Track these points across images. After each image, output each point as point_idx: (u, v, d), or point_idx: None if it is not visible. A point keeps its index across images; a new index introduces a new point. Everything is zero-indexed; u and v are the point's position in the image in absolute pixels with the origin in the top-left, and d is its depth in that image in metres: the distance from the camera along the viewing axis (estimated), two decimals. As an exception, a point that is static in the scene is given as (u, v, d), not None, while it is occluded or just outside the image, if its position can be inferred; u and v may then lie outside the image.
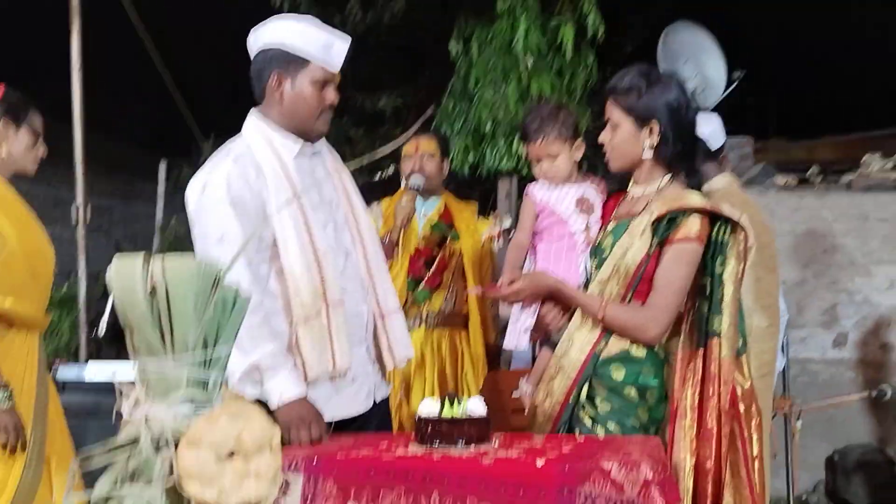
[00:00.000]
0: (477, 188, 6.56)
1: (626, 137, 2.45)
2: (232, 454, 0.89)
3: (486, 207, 6.02)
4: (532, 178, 6.14)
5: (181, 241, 6.62)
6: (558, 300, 2.54)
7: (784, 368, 3.95)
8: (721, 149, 3.47)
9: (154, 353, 0.89)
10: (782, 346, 3.67)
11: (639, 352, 2.43)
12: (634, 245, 2.42)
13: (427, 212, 3.87)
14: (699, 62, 6.33)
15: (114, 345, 5.10)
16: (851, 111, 8.09)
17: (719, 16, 6.71)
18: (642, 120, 2.43)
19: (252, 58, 2.53)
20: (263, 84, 2.50)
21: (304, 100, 2.45)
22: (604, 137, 2.49)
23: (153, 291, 0.89)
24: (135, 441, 0.88)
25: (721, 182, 3.31)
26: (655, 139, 2.44)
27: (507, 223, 4.19)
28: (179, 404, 0.90)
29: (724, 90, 6.33)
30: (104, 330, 1.06)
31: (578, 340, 2.47)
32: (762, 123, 8.83)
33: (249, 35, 2.53)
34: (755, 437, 2.43)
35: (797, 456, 3.83)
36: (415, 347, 3.70)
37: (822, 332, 5.39)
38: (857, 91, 8.41)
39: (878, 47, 8.11)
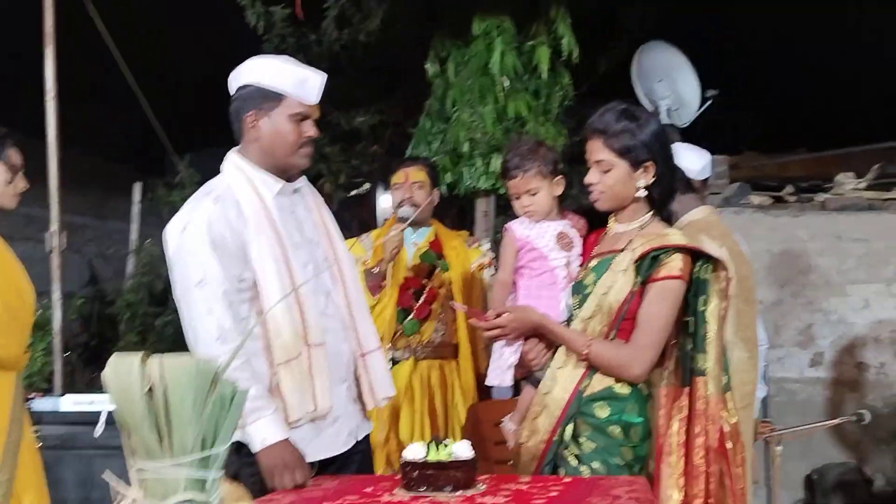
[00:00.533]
0: (454, 207, 6.55)
1: (620, 178, 2.45)
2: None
3: (463, 226, 6.03)
4: (508, 198, 6.19)
5: (156, 263, 6.56)
6: (543, 336, 2.55)
7: (766, 396, 3.97)
8: (705, 181, 3.50)
9: (152, 454, 0.87)
10: (763, 376, 3.69)
11: (623, 389, 2.44)
12: (617, 283, 2.43)
13: (417, 241, 3.85)
14: (673, 81, 6.41)
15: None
16: (823, 128, 8.17)
17: (691, 35, 6.77)
18: (638, 162, 2.44)
19: (231, 98, 2.51)
20: (241, 123, 2.49)
21: (282, 135, 2.44)
22: (592, 178, 2.48)
23: (150, 391, 0.87)
24: (132, 548, 0.86)
25: (701, 213, 3.33)
26: (650, 179, 2.45)
27: (486, 246, 4.18)
28: (178, 507, 0.88)
29: (698, 108, 6.40)
30: (99, 431, 1.02)
31: (562, 378, 2.48)
32: (735, 139, 8.91)
33: (230, 77, 2.53)
34: (741, 472, 2.45)
35: (778, 479, 3.84)
36: (404, 379, 3.70)
37: (798, 352, 5.44)
38: (829, 108, 8.50)
39: (850, 66, 8.21)
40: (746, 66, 8.37)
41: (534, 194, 2.67)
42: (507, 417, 2.68)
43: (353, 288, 2.62)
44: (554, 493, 2.13)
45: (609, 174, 2.45)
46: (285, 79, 2.43)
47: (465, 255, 3.90)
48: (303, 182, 2.62)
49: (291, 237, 2.47)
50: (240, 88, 2.49)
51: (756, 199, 5.87)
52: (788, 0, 7.80)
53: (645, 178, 2.45)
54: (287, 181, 2.52)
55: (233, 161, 2.50)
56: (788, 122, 8.86)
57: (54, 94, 4.65)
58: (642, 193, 2.47)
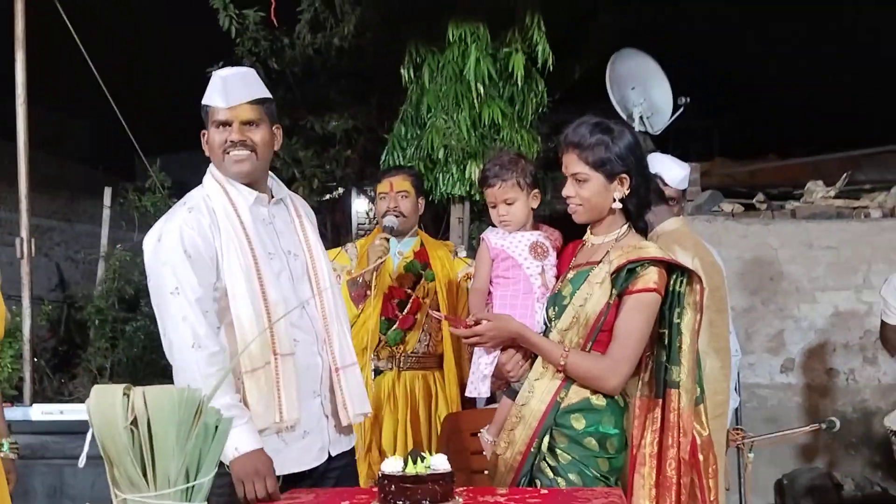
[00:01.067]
0: (429, 213, 6.55)
1: (596, 191, 2.46)
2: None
3: (438, 232, 6.03)
4: (483, 204, 6.19)
5: (126, 268, 6.49)
6: (520, 346, 2.55)
7: (738, 405, 4.01)
8: (682, 192, 3.53)
9: (135, 486, 0.86)
10: (735, 386, 3.72)
11: (599, 401, 2.45)
12: (594, 295, 2.44)
13: (402, 251, 3.82)
14: (646, 88, 6.44)
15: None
16: (792, 135, 8.28)
17: (662, 43, 6.82)
18: (613, 174, 2.45)
19: None
20: (204, 144, 2.54)
21: (211, 146, 2.49)
22: (569, 191, 2.49)
23: (134, 423, 0.86)
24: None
25: (673, 224, 3.36)
26: (626, 191, 2.47)
27: (463, 253, 4.18)
28: (161, 539, 0.87)
29: (671, 116, 6.45)
30: (83, 462, 1.00)
31: (539, 390, 2.48)
32: (706, 146, 9.00)
33: None
34: (713, 484, 2.47)
35: (750, 486, 3.88)
36: (387, 389, 3.67)
37: (769, 358, 5.49)
38: (798, 116, 8.60)
39: (819, 74, 8.31)
40: (716, 73, 8.46)
41: (510, 204, 2.69)
42: (484, 429, 2.68)
43: (332, 302, 2.60)
44: (531, 505, 2.14)
45: (585, 186, 2.46)
46: (210, 90, 2.47)
47: (451, 266, 3.87)
48: (285, 193, 2.62)
49: (265, 247, 2.47)
50: None
51: (727, 206, 5.93)
52: (758, 10, 7.89)
53: (620, 190, 2.47)
54: (261, 192, 2.52)
55: (210, 172, 2.53)
56: (758, 129, 8.97)
57: (24, 98, 4.58)
58: (618, 205, 2.49)
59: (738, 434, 3.78)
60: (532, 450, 2.47)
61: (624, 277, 2.41)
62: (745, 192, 6.53)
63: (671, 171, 3.51)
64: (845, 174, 6.01)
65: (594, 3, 7.14)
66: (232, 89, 2.44)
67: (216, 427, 0.90)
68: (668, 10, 8.09)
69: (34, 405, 3.84)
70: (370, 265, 3.58)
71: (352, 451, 2.70)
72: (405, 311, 3.72)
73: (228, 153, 2.45)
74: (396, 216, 3.72)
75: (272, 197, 2.59)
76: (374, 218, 4.16)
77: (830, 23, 8.00)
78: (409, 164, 5.06)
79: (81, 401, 5.35)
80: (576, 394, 2.45)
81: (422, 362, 3.76)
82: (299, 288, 2.54)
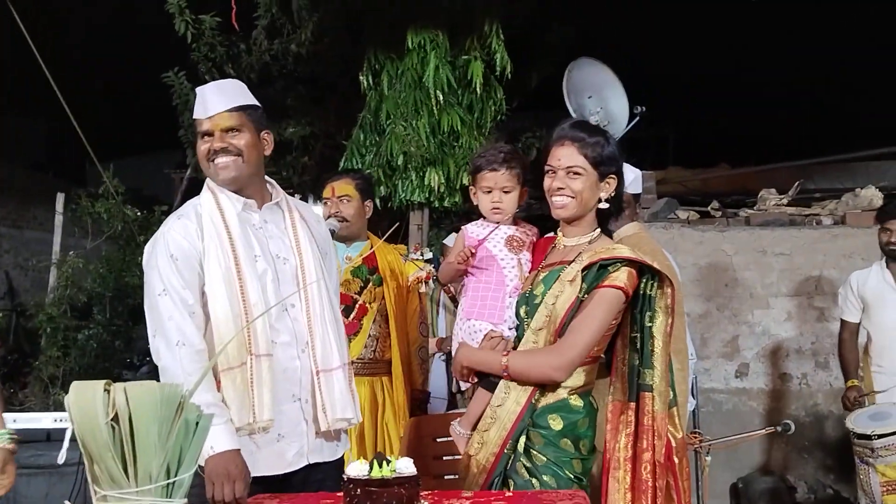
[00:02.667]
0: (387, 219, 6.54)
1: (588, 186, 2.47)
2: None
3: (397, 239, 6.02)
4: (441, 211, 6.19)
5: (79, 275, 6.36)
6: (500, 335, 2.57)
7: (694, 408, 4.06)
8: (636, 196, 3.55)
9: (116, 483, 0.84)
10: (691, 389, 3.76)
11: (577, 401, 2.44)
12: (565, 292, 2.43)
13: (350, 255, 3.78)
14: (603, 97, 6.50)
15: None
16: (743, 144, 8.43)
17: (619, 49, 6.90)
18: (605, 174, 2.47)
19: None
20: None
21: (200, 158, 2.55)
22: (560, 183, 2.47)
23: (115, 419, 0.84)
24: (96, 579, 0.83)
25: (631, 230, 3.38)
26: (611, 193, 2.49)
27: (429, 255, 4.17)
28: (141, 536, 0.85)
29: (627, 124, 6.51)
30: (62, 459, 0.98)
31: (514, 392, 2.47)
32: (660, 155, 9.12)
33: None
34: (687, 486, 2.49)
35: (707, 488, 3.93)
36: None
37: (724, 363, 5.57)
38: (749, 125, 8.77)
39: (770, 85, 8.48)
40: (668, 83, 8.58)
41: (506, 192, 2.69)
42: (455, 421, 2.66)
43: (320, 305, 2.59)
44: (498, 508, 2.13)
45: (579, 180, 2.46)
46: (197, 105, 2.55)
47: (401, 270, 3.85)
48: (280, 196, 2.62)
49: (251, 250, 2.48)
50: None
51: (683, 214, 6.01)
52: (708, 22, 8.02)
53: (607, 190, 2.49)
54: (253, 197, 2.53)
55: (206, 183, 2.58)
56: (710, 139, 9.11)
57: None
58: (603, 205, 2.50)
59: (695, 438, 3.83)
60: (506, 451, 2.45)
61: (594, 275, 2.41)
62: (699, 199, 6.62)
63: (626, 176, 3.54)
64: (797, 182, 6.13)
65: (550, 12, 7.19)
66: (210, 100, 2.50)
67: (197, 423, 0.89)
68: (624, 21, 8.20)
69: (-15, 414, 3.74)
70: None
71: (338, 462, 2.63)
72: (350, 316, 3.69)
73: (213, 161, 2.49)
74: (339, 221, 3.69)
75: (269, 200, 2.59)
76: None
77: (781, 37, 8.17)
78: (359, 170, 5.02)
79: (33, 410, 5.24)
80: (553, 394, 2.44)
81: (368, 368, 3.71)
82: (285, 291, 2.52)
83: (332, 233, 3.61)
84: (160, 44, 6.58)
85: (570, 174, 2.46)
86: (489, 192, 2.69)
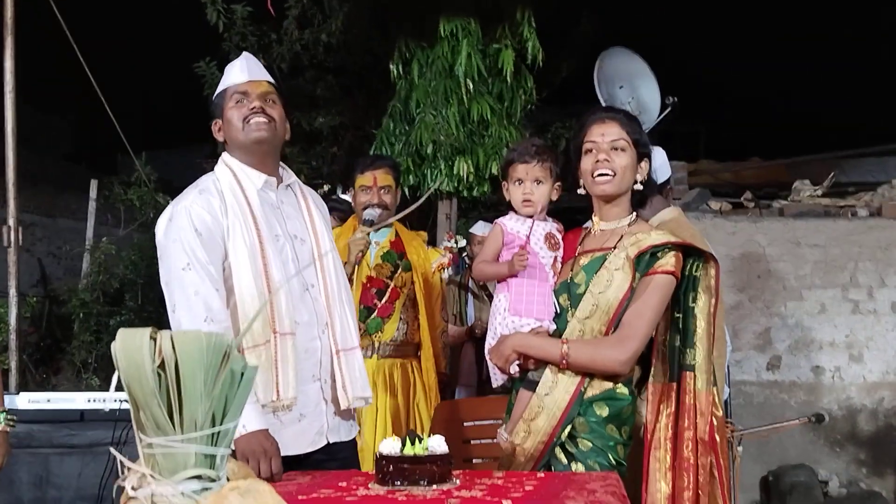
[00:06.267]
0: (415, 209, 6.54)
1: (630, 164, 2.48)
2: (243, 535, 0.85)
3: (426, 229, 6.02)
4: (470, 201, 6.17)
5: (111, 262, 6.43)
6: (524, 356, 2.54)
7: (728, 396, 4.01)
8: (667, 181, 3.52)
9: (161, 429, 0.84)
10: (726, 376, 3.73)
11: (622, 390, 2.44)
12: (615, 281, 2.42)
13: (378, 241, 3.82)
14: (634, 87, 6.45)
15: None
16: (775, 137, 8.35)
17: (649, 43, 6.86)
18: (642, 155, 2.50)
19: None
20: (216, 133, 2.60)
21: (231, 123, 2.52)
22: (607, 156, 2.46)
23: (161, 366, 0.84)
24: (142, 523, 0.83)
25: (670, 214, 3.36)
26: (644, 176, 2.50)
27: (462, 243, 4.19)
28: (187, 482, 0.85)
29: (659, 115, 6.46)
30: (114, 389, 0.99)
31: (563, 381, 2.45)
32: (692, 147, 9.05)
33: None
34: (726, 464, 2.48)
35: (738, 479, 3.89)
36: (367, 377, 3.65)
37: (756, 355, 5.52)
38: (781, 118, 8.68)
39: (802, 78, 8.39)
40: (700, 77, 8.52)
41: (538, 183, 2.68)
42: (501, 428, 2.64)
43: (337, 286, 2.61)
44: (530, 487, 2.12)
45: (622, 156, 2.47)
46: (224, 78, 2.56)
47: (426, 256, 3.90)
48: (293, 179, 2.65)
49: (272, 229, 2.49)
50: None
51: (715, 204, 5.95)
52: (739, 14, 7.96)
53: (642, 172, 2.51)
54: (271, 175, 2.55)
55: (223, 158, 2.57)
56: (742, 132, 9.03)
57: (13, 85, 4.50)
58: (638, 187, 2.51)
59: (727, 427, 3.79)
60: (554, 439, 2.45)
61: (647, 262, 2.41)
62: (730, 192, 6.57)
63: (655, 159, 3.51)
64: (832, 174, 6.06)
65: (581, 2, 7.17)
66: (249, 67, 2.54)
67: (242, 374, 0.88)
68: (655, 13, 8.15)
69: (21, 393, 3.79)
70: (351, 259, 3.55)
71: (353, 442, 2.68)
72: (384, 299, 3.73)
73: (249, 121, 2.49)
74: (380, 211, 3.70)
75: (281, 182, 2.61)
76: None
77: (812, 29, 8.08)
78: (389, 156, 5.04)
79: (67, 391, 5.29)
80: (600, 385, 2.43)
81: (400, 350, 3.78)
82: (304, 271, 2.54)
83: (371, 222, 3.63)
84: (192, 34, 6.63)
85: (613, 149, 2.46)
86: (521, 183, 2.68)
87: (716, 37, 8.31)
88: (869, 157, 7.30)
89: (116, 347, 0.84)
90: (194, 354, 0.85)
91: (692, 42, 8.29)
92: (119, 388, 0.87)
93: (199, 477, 0.85)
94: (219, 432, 0.86)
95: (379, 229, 3.79)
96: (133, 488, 0.83)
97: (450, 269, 3.95)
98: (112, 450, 0.86)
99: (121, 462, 0.85)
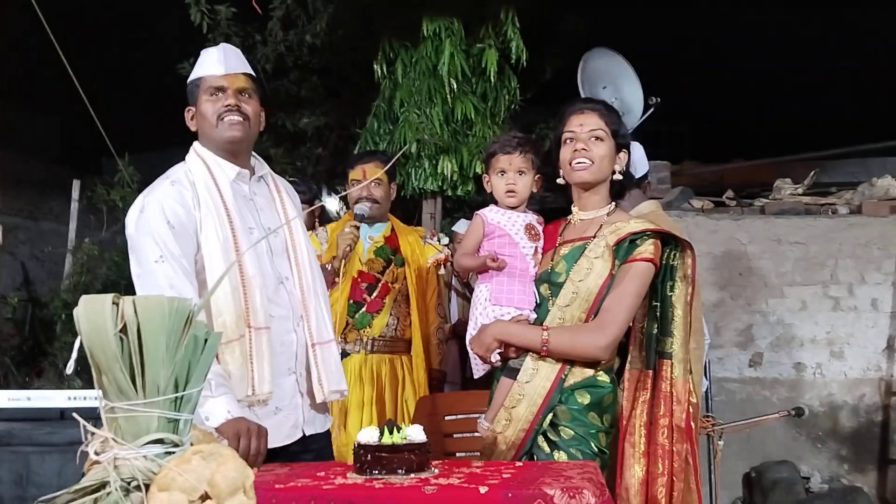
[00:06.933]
0: (400, 208, 6.55)
1: (608, 154, 2.53)
2: (205, 497, 0.85)
3: (412, 223, 6.02)
4: (455, 200, 6.18)
5: (94, 263, 6.40)
6: (506, 344, 2.56)
7: (707, 389, 4.04)
8: (645, 176, 3.56)
9: (124, 394, 0.84)
10: (704, 369, 3.75)
11: (603, 377, 2.47)
12: (595, 269, 2.46)
13: (372, 235, 3.81)
14: (618, 87, 6.48)
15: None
16: (758, 138, 8.39)
17: (633, 43, 6.89)
18: (620, 146, 2.55)
19: None
20: (189, 120, 2.59)
21: (204, 115, 2.51)
22: (585, 145, 2.50)
23: (123, 331, 0.85)
24: (103, 485, 0.84)
25: (648, 207, 3.39)
26: (623, 167, 2.55)
27: (445, 240, 4.19)
28: (150, 446, 0.86)
29: (642, 116, 6.49)
30: (72, 367, 0.99)
31: (544, 368, 2.47)
32: (676, 147, 9.08)
33: None
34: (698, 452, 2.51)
35: (720, 474, 3.90)
36: (353, 372, 3.65)
37: (738, 352, 5.54)
38: (763, 119, 8.73)
39: (784, 79, 8.44)
40: (684, 77, 8.55)
41: (521, 174, 2.70)
42: (482, 417, 2.66)
43: (311, 278, 2.61)
44: (507, 475, 2.13)
45: (601, 146, 2.51)
46: (199, 65, 2.53)
47: (421, 251, 3.89)
48: (266, 170, 2.64)
49: (245, 221, 2.48)
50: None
51: (697, 202, 5.98)
52: (723, 15, 8.00)
53: (620, 163, 2.56)
54: (243, 167, 2.54)
55: (195, 148, 2.55)
56: (725, 133, 9.07)
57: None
58: (617, 177, 2.55)
59: (708, 422, 3.81)
60: (535, 426, 2.47)
61: (626, 249, 2.45)
62: (713, 192, 6.60)
63: (633, 153, 3.54)
64: (813, 172, 6.10)
65: (564, 2, 7.19)
66: (228, 58, 2.51)
67: (205, 341, 0.89)
68: (638, 14, 8.18)
69: (0, 391, 3.77)
70: (339, 253, 3.56)
71: (328, 434, 2.70)
72: (374, 294, 3.72)
73: (223, 118, 2.47)
74: (370, 205, 3.71)
75: (254, 174, 2.60)
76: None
77: (796, 32, 8.13)
78: (384, 151, 5.04)
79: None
80: (581, 372, 2.46)
81: (389, 346, 3.77)
82: (278, 264, 2.54)
83: (362, 217, 3.63)
84: (175, 34, 6.60)
85: (592, 139, 2.49)
86: (503, 174, 2.69)
87: (699, 38, 8.34)
88: (851, 157, 7.35)
89: (79, 312, 0.85)
90: (157, 319, 0.85)
91: (676, 43, 8.32)
92: (60, 436, 0.88)
93: (161, 441, 0.86)
94: (182, 397, 0.87)
95: (374, 223, 3.80)
96: (96, 453, 0.84)
97: (447, 264, 3.95)
98: (75, 415, 0.86)
99: (84, 427, 0.85)
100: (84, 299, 0.86)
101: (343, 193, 3.78)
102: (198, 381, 0.90)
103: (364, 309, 3.70)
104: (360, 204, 3.68)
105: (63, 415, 3.75)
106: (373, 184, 3.73)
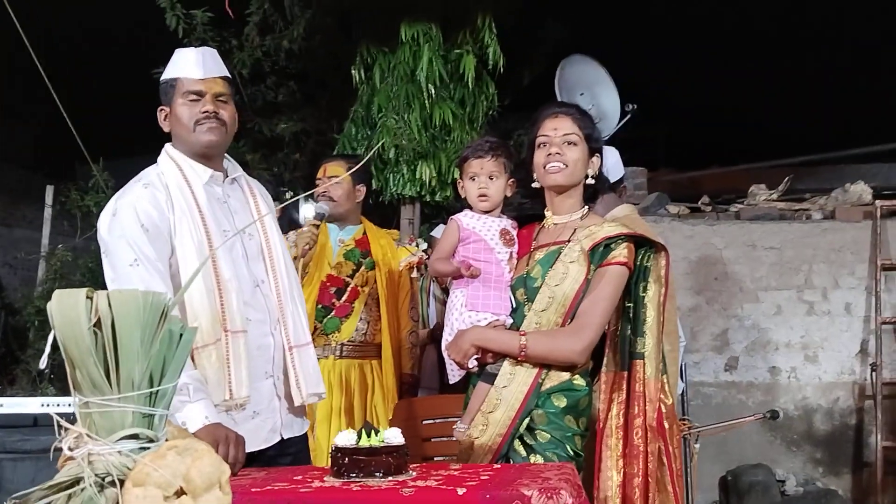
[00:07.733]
0: (378, 213, 6.54)
1: (581, 158, 2.55)
2: (180, 493, 0.84)
3: (390, 227, 6.01)
4: (433, 206, 6.18)
5: (68, 268, 6.34)
6: (483, 349, 2.56)
7: (682, 392, 4.06)
8: (621, 180, 3.58)
9: (98, 388, 0.83)
10: (680, 371, 3.77)
11: (579, 381, 2.48)
12: (570, 274, 2.47)
13: (343, 238, 3.79)
14: (595, 94, 6.53)
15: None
16: (733, 145, 8.46)
17: (610, 51, 6.93)
18: (593, 150, 2.57)
19: None
20: (162, 120, 2.54)
21: (179, 118, 2.47)
22: (559, 149, 2.52)
23: (97, 325, 0.84)
24: (77, 480, 0.82)
25: (623, 211, 3.42)
26: (595, 171, 2.57)
27: (424, 245, 4.18)
28: (125, 441, 0.85)
29: (618, 122, 6.53)
30: (44, 364, 0.99)
31: (521, 373, 2.48)
32: (652, 154, 9.13)
33: None
34: (678, 452, 2.52)
35: (696, 477, 3.92)
36: (322, 377, 3.62)
37: (714, 356, 5.58)
38: (739, 126, 8.80)
39: (759, 87, 8.51)
40: (660, 84, 8.61)
41: (493, 179, 2.70)
42: (459, 421, 2.65)
43: (287, 282, 2.59)
44: (485, 477, 2.13)
45: (574, 150, 2.53)
46: (175, 65, 2.48)
47: (393, 254, 3.86)
48: (238, 172, 2.61)
49: (219, 224, 2.45)
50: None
51: (673, 208, 6.02)
52: (699, 22, 8.06)
53: (593, 167, 2.58)
54: (217, 170, 2.51)
55: (167, 150, 2.51)
56: (701, 140, 9.13)
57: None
58: (590, 181, 2.57)
59: (684, 425, 3.82)
60: (512, 431, 2.47)
61: (601, 253, 2.46)
62: (689, 198, 6.64)
63: (608, 158, 3.57)
64: (787, 178, 6.16)
65: (542, 9, 7.22)
66: (205, 61, 2.47)
67: (181, 336, 0.88)
68: (615, 21, 8.22)
69: (-27, 398, 3.73)
70: (298, 252, 3.52)
71: (305, 437, 2.68)
72: (342, 298, 3.69)
73: (202, 124, 2.44)
74: (328, 201, 3.69)
75: (227, 176, 2.58)
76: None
77: (771, 40, 8.21)
78: (355, 154, 5.03)
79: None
80: (557, 376, 2.47)
81: (359, 351, 3.73)
82: (253, 267, 2.52)
83: (322, 216, 3.61)
84: (151, 39, 6.56)
85: (565, 143, 2.51)
86: (475, 178, 2.70)
87: (676, 46, 8.40)
88: (825, 164, 7.43)
89: (52, 306, 0.84)
90: (131, 313, 0.85)
91: (652, 51, 8.38)
92: (54, 347, 0.87)
93: (136, 437, 0.85)
94: (157, 392, 0.86)
95: (345, 226, 3.77)
96: (70, 448, 0.83)
97: (420, 268, 3.94)
98: (49, 412, 0.85)
99: (58, 423, 0.84)
100: (58, 293, 0.85)
101: (305, 194, 3.74)
102: (173, 376, 0.89)
103: (333, 314, 3.67)
104: (318, 204, 3.66)
105: (36, 421, 3.71)
106: (331, 180, 3.71)
